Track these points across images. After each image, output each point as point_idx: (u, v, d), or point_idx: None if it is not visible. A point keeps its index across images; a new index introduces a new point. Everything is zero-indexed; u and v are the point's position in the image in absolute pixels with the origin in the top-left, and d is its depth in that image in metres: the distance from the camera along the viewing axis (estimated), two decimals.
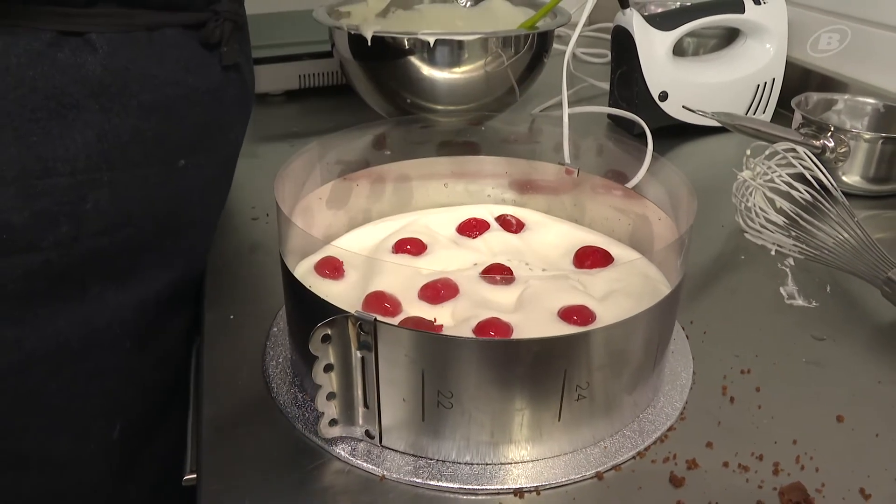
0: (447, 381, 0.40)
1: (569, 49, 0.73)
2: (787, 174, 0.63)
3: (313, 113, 0.98)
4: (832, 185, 0.62)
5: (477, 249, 0.56)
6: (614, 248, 0.55)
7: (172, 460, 0.55)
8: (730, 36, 0.97)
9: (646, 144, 0.58)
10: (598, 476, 0.42)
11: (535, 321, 0.45)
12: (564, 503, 0.40)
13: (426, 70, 0.80)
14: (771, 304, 0.58)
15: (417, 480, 0.41)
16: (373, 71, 0.83)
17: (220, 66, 0.55)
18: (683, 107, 0.83)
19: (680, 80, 0.88)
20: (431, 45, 0.77)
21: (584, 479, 0.42)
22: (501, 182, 0.62)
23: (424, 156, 0.61)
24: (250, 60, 0.61)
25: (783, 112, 0.94)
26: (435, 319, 0.45)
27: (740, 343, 0.53)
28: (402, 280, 0.48)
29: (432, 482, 0.41)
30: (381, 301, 0.46)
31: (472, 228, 0.58)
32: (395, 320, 0.45)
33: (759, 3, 0.89)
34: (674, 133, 0.89)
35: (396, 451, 0.43)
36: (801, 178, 0.63)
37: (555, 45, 0.87)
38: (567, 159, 0.60)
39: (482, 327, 0.44)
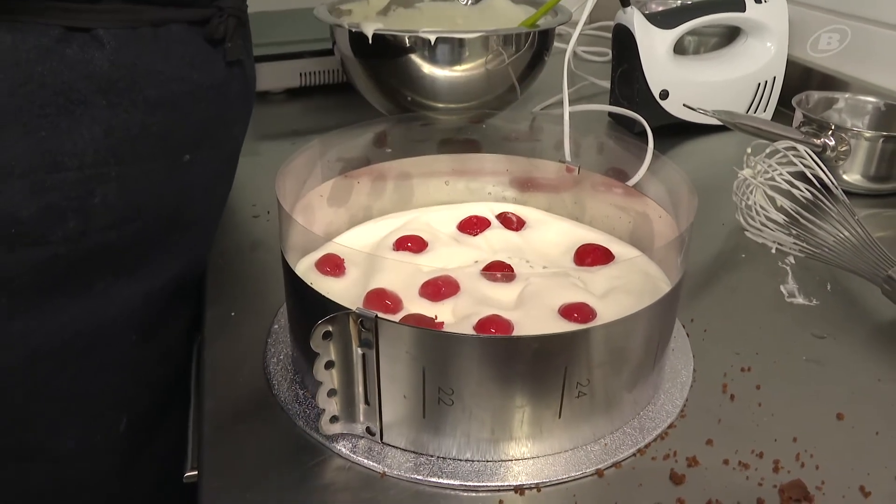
0: (448, 378, 0.40)
1: (569, 47, 0.73)
2: (787, 172, 0.63)
3: (314, 111, 0.98)
4: (833, 183, 0.62)
5: (478, 247, 0.56)
6: (615, 246, 0.55)
7: (173, 457, 0.55)
8: (731, 34, 0.97)
9: (646, 142, 0.58)
10: (599, 473, 0.42)
11: (535, 318, 0.45)
12: (565, 500, 0.41)
13: (427, 68, 0.80)
14: (771, 303, 0.58)
15: (418, 477, 0.41)
16: (374, 69, 0.83)
17: (224, 62, 0.55)
18: (684, 105, 0.83)
19: (681, 79, 0.88)
20: (432, 43, 0.77)
21: (584, 476, 0.42)
22: (502, 180, 0.62)
23: (425, 153, 0.61)
24: (252, 57, 0.62)
25: (784, 111, 0.94)
26: (436, 316, 0.45)
27: (741, 341, 0.53)
28: (402, 277, 0.48)
29: (433, 479, 0.41)
30: (381, 298, 0.46)
31: (472, 226, 0.58)
32: (396, 317, 0.45)
33: (760, 2, 0.89)
34: (674, 131, 0.89)
35: (397, 447, 0.43)
36: (801, 176, 0.63)
37: (556, 44, 0.87)
38: (568, 157, 0.60)
39: (483, 324, 0.44)
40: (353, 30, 0.79)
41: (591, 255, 0.54)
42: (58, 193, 0.46)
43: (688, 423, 0.46)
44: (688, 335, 0.54)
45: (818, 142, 0.75)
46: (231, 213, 0.69)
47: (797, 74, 0.96)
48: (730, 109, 0.76)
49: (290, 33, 1.03)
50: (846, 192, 0.62)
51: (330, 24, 0.83)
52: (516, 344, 0.40)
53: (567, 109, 0.63)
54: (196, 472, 0.45)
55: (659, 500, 0.40)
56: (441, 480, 0.41)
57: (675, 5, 1.00)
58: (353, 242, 0.56)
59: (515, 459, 0.42)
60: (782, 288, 0.60)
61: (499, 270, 0.51)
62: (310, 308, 0.43)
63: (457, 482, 0.41)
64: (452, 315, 0.46)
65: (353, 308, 0.39)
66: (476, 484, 0.41)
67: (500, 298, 0.47)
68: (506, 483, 0.41)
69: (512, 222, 0.59)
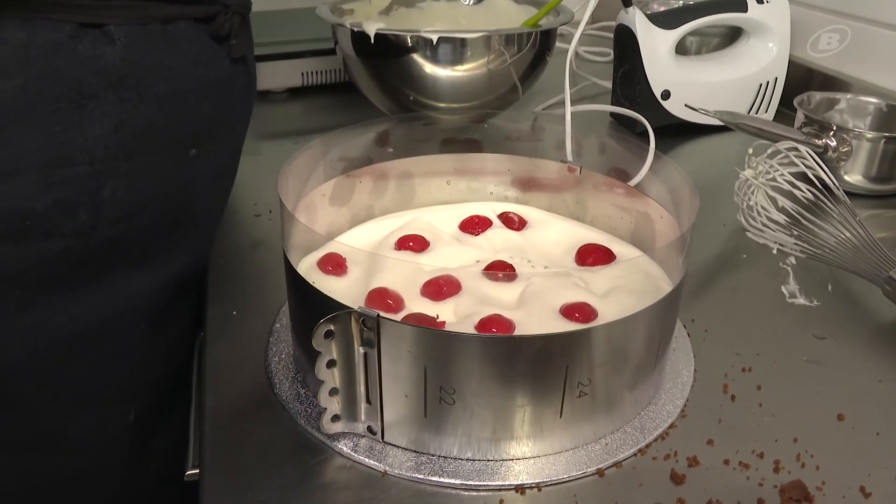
0: (449, 377, 0.40)
1: (571, 47, 0.73)
2: (789, 173, 0.63)
3: (316, 110, 0.98)
4: (834, 184, 0.62)
5: (479, 246, 0.56)
6: (616, 246, 0.55)
7: (176, 453, 0.55)
8: (732, 35, 0.97)
9: (648, 143, 0.58)
10: (600, 473, 0.42)
11: (537, 318, 0.45)
12: (566, 500, 0.41)
13: (429, 68, 0.80)
14: (772, 303, 0.58)
15: (419, 476, 0.41)
16: (375, 68, 0.83)
17: (229, 58, 0.56)
18: (686, 105, 0.83)
19: (682, 79, 0.88)
20: (434, 42, 0.77)
21: (585, 476, 0.42)
22: (504, 179, 0.62)
23: (427, 153, 0.61)
24: (253, 54, 0.62)
25: (785, 111, 0.94)
26: (437, 316, 0.46)
27: (741, 341, 0.53)
28: (404, 276, 0.48)
29: (434, 478, 0.41)
30: (383, 297, 0.46)
31: (474, 225, 0.58)
32: (398, 316, 0.45)
33: (762, 2, 0.89)
34: (676, 132, 0.89)
35: (398, 447, 0.43)
36: (803, 177, 0.63)
37: (557, 44, 0.87)
38: (569, 157, 0.60)
39: (484, 324, 0.44)
40: (356, 29, 0.79)
41: (592, 255, 0.54)
42: (69, 187, 0.47)
43: (688, 423, 0.46)
44: (689, 335, 0.54)
45: (820, 142, 0.75)
46: (233, 212, 0.69)
47: (799, 75, 0.96)
48: (731, 110, 0.76)
49: (292, 33, 1.03)
50: (847, 193, 0.62)
51: (332, 23, 0.83)
52: (518, 343, 0.40)
53: (569, 109, 0.63)
54: (197, 471, 0.45)
55: (659, 499, 0.40)
56: (442, 480, 0.41)
57: (676, 5, 1.01)
58: (354, 242, 0.56)
59: (516, 459, 0.42)
60: (783, 288, 0.60)
61: (500, 270, 0.51)
62: (312, 307, 0.43)
63: (458, 481, 0.41)
64: (454, 314, 0.47)
65: (355, 307, 0.40)
66: (477, 483, 0.41)
67: (501, 298, 0.47)
68: (507, 482, 0.41)
69: (513, 222, 0.59)
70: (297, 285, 0.45)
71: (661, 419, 0.46)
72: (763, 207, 0.63)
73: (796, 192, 0.61)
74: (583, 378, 0.41)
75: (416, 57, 0.79)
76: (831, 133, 0.75)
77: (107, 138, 0.48)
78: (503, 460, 0.42)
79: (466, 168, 0.62)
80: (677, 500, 0.40)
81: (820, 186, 0.61)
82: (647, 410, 0.46)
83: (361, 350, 0.40)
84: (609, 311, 0.45)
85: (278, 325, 0.54)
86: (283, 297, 0.54)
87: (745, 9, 0.89)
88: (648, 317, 0.42)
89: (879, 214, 0.74)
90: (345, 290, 0.48)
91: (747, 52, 0.93)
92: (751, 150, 0.67)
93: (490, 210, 0.60)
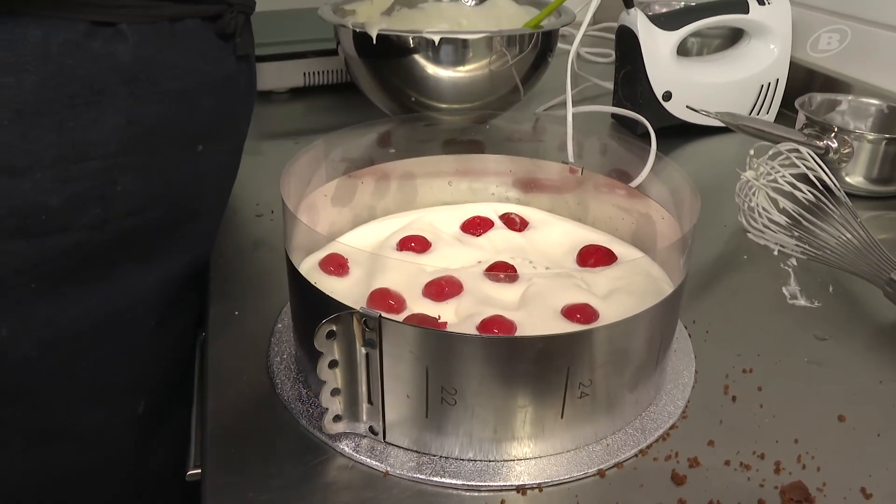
0: (451, 377, 0.40)
1: (573, 48, 0.73)
2: (790, 174, 0.63)
3: (318, 110, 0.98)
4: (835, 185, 0.62)
5: (481, 247, 0.56)
6: (617, 247, 0.56)
7: (176, 454, 0.55)
8: (734, 36, 0.97)
9: (649, 144, 0.58)
10: (601, 473, 0.42)
11: (538, 319, 0.45)
12: (567, 500, 0.41)
13: (431, 68, 0.80)
14: (773, 304, 0.58)
15: (420, 477, 0.41)
16: (377, 69, 0.83)
17: (233, 56, 0.57)
18: (687, 107, 0.83)
19: (684, 80, 0.88)
20: (436, 43, 0.77)
21: (586, 477, 0.42)
22: (505, 180, 0.62)
23: (429, 154, 0.61)
24: (253, 52, 0.63)
25: (787, 112, 0.94)
26: (439, 316, 0.46)
27: (742, 342, 0.53)
28: (406, 277, 0.48)
29: (435, 478, 0.41)
30: (385, 298, 0.46)
31: (476, 226, 0.58)
32: (400, 317, 0.45)
33: (764, 4, 0.89)
34: (677, 133, 0.89)
35: (400, 447, 0.43)
36: (804, 178, 0.63)
37: (559, 45, 0.87)
38: (571, 158, 0.60)
39: (486, 324, 0.44)
40: (358, 30, 0.79)
41: (593, 256, 0.54)
42: (83, 182, 0.48)
43: (689, 423, 0.46)
44: (690, 336, 0.54)
45: (821, 144, 0.75)
46: (234, 212, 0.69)
47: (800, 76, 0.96)
48: (732, 111, 0.76)
49: (294, 33, 1.03)
50: (849, 195, 0.62)
51: (334, 24, 0.83)
52: (519, 344, 0.40)
53: (570, 110, 0.63)
54: (199, 471, 0.45)
55: (660, 500, 0.41)
56: (443, 480, 0.41)
57: (678, 7, 1.00)
58: (356, 242, 0.56)
59: (518, 459, 0.43)
60: (784, 289, 0.60)
61: (502, 271, 0.51)
62: (313, 307, 0.43)
63: (459, 482, 0.41)
64: (455, 315, 0.47)
65: (357, 308, 0.40)
66: (478, 484, 0.41)
67: (503, 299, 0.47)
68: (508, 483, 0.41)
69: (515, 223, 0.59)
70: (299, 286, 0.45)
71: (662, 420, 0.46)
72: (764, 209, 0.63)
73: (797, 193, 0.62)
74: (584, 379, 0.41)
75: (418, 58, 0.79)
76: (832, 134, 0.75)
77: (119, 134, 0.49)
78: (504, 461, 0.42)
79: (468, 169, 0.62)
80: (678, 500, 0.40)
81: (821, 188, 0.61)
82: (648, 411, 0.46)
83: (363, 350, 0.41)
84: (610, 312, 0.45)
85: (280, 326, 0.54)
86: (284, 297, 0.54)
87: (746, 10, 0.89)
88: (649, 318, 0.42)
89: (880, 216, 0.74)
90: (346, 290, 0.48)
91: (748, 53, 0.93)
92: (752, 152, 0.67)
93: (491, 211, 0.61)
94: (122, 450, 0.59)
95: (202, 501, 0.41)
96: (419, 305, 0.47)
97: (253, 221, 0.69)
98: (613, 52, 0.92)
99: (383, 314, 0.39)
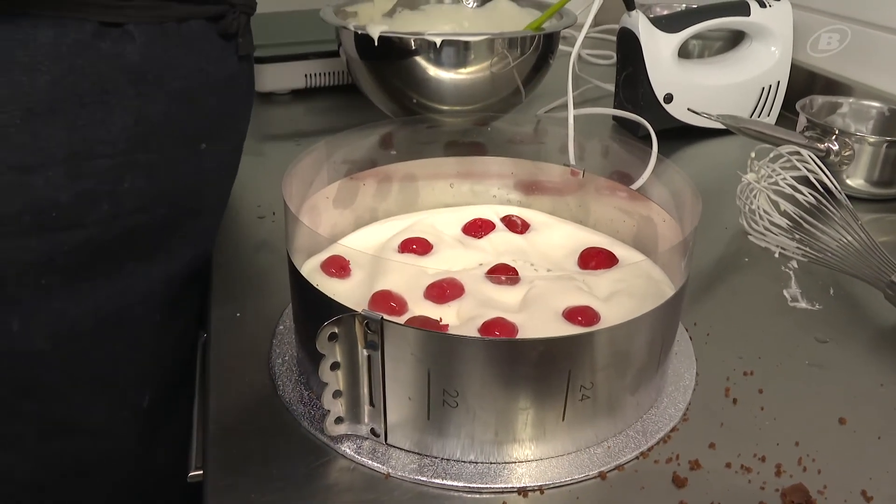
0: (452, 380, 0.40)
1: (574, 50, 0.73)
2: (791, 177, 0.63)
3: (319, 112, 0.98)
4: (836, 188, 0.62)
5: (482, 249, 0.56)
6: (619, 250, 0.56)
7: (177, 455, 0.55)
8: (735, 38, 0.97)
9: (650, 146, 0.58)
10: (602, 476, 0.42)
11: (539, 321, 0.45)
12: (568, 502, 0.41)
13: (432, 70, 0.80)
14: (774, 307, 0.58)
15: (422, 479, 0.42)
16: (379, 71, 0.83)
17: (235, 56, 0.58)
18: (688, 109, 0.83)
19: (685, 83, 0.88)
20: (438, 45, 0.78)
21: (587, 479, 0.42)
22: (507, 183, 0.63)
23: (430, 156, 0.61)
24: (253, 52, 0.64)
25: (788, 115, 0.94)
26: (440, 319, 0.46)
27: (743, 345, 0.53)
28: (407, 279, 0.48)
29: (437, 480, 0.41)
30: (387, 300, 0.46)
31: (477, 228, 0.58)
32: (401, 319, 0.45)
33: (765, 6, 0.89)
34: (678, 135, 0.89)
35: (401, 449, 0.43)
36: (805, 181, 0.63)
37: (560, 47, 0.88)
38: (572, 160, 0.60)
39: (487, 327, 0.44)
40: (359, 32, 0.79)
41: (595, 259, 0.54)
42: (93, 179, 0.49)
43: (690, 426, 0.46)
44: (691, 339, 0.54)
45: (822, 146, 0.75)
46: (236, 213, 0.69)
47: (801, 79, 0.96)
48: (734, 113, 0.76)
49: (295, 35, 1.03)
50: (850, 197, 0.62)
51: (336, 25, 0.83)
52: (520, 347, 0.40)
53: (571, 112, 0.63)
54: (201, 472, 0.45)
55: (661, 503, 0.41)
56: (445, 482, 0.41)
57: (679, 9, 1.01)
58: (358, 244, 0.56)
59: (519, 461, 0.43)
60: (785, 292, 0.60)
61: (503, 273, 0.51)
62: (315, 309, 0.43)
63: (460, 484, 0.41)
64: (457, 317, 0.47)
65: (359, 310, 0.40)
66: (479, 486, 0.41)
67: (504, 301, 0.48)
68: (509, 485, 0.41)
69: (516, 225, 0.59)
70: (301, 287, 0.45)
71: (663, 422, 0.46)
72: (765, 211, 0.63)
73: (798, 195, 0.62)
74: (585, 381, 0.41)
75: (420, 59, 0.79)
76: (833, 137, 0.75)
77: (127, 131, 0.50)
78: (506, 463, 0.42)
79: (469, 171, 0.62)
80: (679, 503, 0.40)
81: (822, 190, 0.61)
82: (649, 414, 0.46)
83: (365, 352, 0.41)
84: (611, 314, 0.45)
85: (282, 328, 0.54)
86: (286, 299, 0.54)
87: (747, 12, 0.89)
88: (651, 320, 0.42)
89: (881, 218, 0.74)
90: (348, 292, 0.48)
91: (750, 55, 0.93)
92: (753, 154, 0.67)
93: (493, 213, 0.61)
94: (127, 444, 0.60)
95: (204, 502, 0.41)
96: (421, 308, 0.47)
97: (255, 223, 0.69)
98: (615, 55, 0.92)
99: (385, 316, 0.39)
